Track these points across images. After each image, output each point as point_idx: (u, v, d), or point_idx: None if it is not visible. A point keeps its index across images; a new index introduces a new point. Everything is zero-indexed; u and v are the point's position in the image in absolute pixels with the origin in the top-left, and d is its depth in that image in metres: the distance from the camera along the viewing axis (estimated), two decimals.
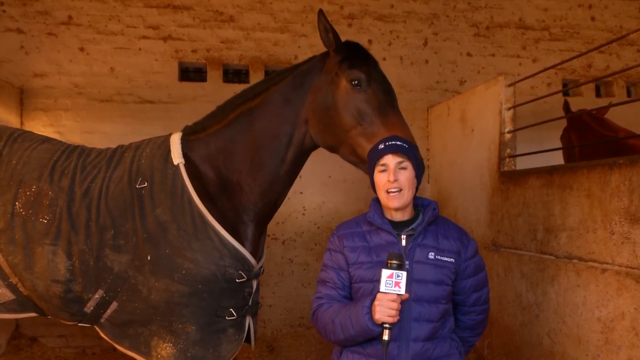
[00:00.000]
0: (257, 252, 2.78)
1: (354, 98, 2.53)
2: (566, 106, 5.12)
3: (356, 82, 2.52)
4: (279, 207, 2.86)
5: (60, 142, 3.00)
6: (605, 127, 4.68)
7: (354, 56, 2.61)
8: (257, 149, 2.67)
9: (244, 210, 2.71)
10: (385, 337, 2.02)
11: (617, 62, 6.33)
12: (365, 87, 2.53)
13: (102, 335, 2.74)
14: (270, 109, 2.70)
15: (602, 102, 5.95)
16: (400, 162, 2.26)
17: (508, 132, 4.08)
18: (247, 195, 2.69)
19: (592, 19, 6.34)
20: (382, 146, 2.29)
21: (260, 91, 2.78)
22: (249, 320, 2.77)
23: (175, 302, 2.51)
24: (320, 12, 2.64)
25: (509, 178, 3.95)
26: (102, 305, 2.63)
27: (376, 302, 2.02)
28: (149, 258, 2.53)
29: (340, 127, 2.55)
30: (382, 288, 2.01)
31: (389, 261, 2.04)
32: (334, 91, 2.57)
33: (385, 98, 2.54)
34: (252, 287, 2.73)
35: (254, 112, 2.72)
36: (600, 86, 6.51)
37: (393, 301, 1.99)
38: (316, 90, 2.64)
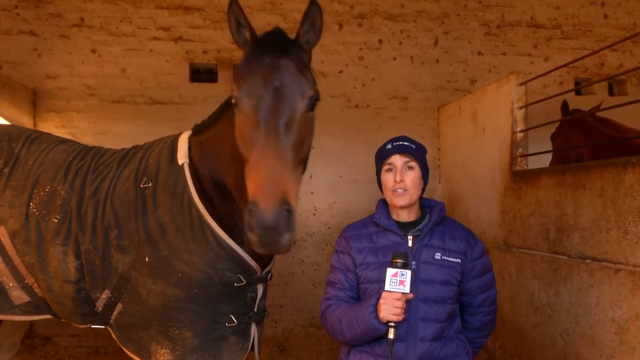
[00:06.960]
0: (260, 256, 2.52)
1: (236, 121, 2.09)
2: (565, 107, 5.05)
3: (234, 100, 2.03)
4: None
5: (78, 143, 2.98)
6: (612, 128, 4.60)
7: (246, 59, 2.11)
8: (235, 157, 2.25)
9: (238, 215, 2.46)
10: (391, 335, 2.03)
11: (631, 60, 6.28)
12: (240, 105, 2.00)
13: (114, 336, 2.71)
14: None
15: (615, 100, 5.89)
16: (407, 162, 2.27)
17: (520, 132, 4.05)
18: (236, 202, 2.46)
19: (605, 16, 6.28)
20: (390, 146, 2.32)
21: None
22: (254, 328, 2.60)
23: (171, 307, 2.40)
24: (233, 2, 2.16)
25: (520, 177, 3.93)
26: (109, 306, 2.58)
27: (381, 301, 2.04)
28: (146, 260, 2.44)
29: (232, 157, 2.23)
30: (387, 287, 2.03)
31: (393, 260, 2.05)
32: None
33: (254, 117, 1.93)
34: (256, 293, 2.56)
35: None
36: (613, 84, 6.45)
37: (398, 299, 2.01)
38: None
